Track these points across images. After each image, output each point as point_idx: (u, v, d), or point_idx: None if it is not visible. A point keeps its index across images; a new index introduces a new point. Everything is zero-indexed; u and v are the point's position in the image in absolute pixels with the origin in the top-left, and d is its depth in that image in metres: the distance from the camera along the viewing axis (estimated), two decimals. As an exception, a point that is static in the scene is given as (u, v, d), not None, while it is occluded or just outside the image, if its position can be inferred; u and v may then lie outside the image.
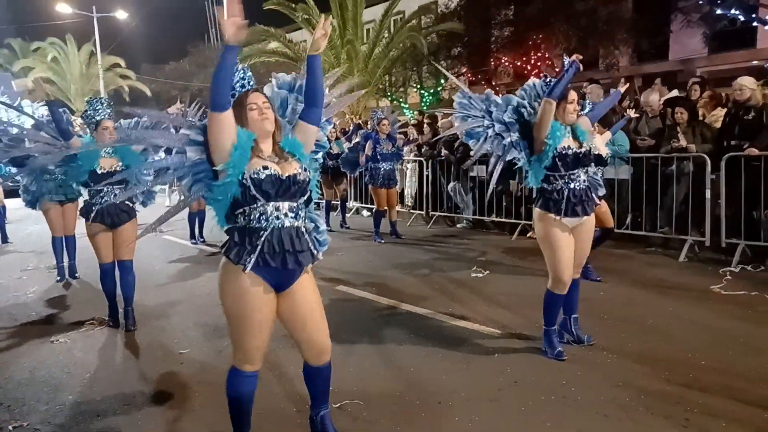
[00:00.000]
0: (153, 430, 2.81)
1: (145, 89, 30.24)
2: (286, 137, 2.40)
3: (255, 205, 2.21)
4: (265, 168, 2.19)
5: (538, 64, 16.35)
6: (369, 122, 9.24)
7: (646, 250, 6.49)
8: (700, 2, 13.26)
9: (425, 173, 8.97)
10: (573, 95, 3.38)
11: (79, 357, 3.83)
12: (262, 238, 2.19)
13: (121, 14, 27.63)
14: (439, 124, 9.38)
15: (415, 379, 3.28)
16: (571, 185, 3.37)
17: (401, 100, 20.99)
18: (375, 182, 7.60)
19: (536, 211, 3.48)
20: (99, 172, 4.04)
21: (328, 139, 8.32)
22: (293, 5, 16.26)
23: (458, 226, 8.72)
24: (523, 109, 3.49)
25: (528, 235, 7.57)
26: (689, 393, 2.96)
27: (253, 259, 2.18)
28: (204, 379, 3.38)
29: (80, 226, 5.64)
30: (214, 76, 2.07)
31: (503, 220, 7.96)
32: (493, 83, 18.16)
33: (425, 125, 9.86)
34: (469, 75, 19.26)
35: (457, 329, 4.11)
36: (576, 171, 3.39)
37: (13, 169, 5.84)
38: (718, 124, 6.14)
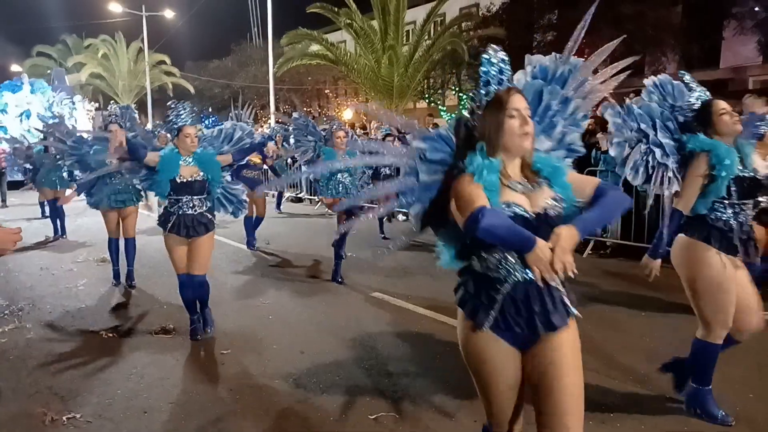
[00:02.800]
0: (196, 428, 2.91)
1: (188, 86, 31.07)
2: (541, 156, 1.87)
3: (494, 249, 1.76)
4: (510, 205, 1.73)
5: (582, 69, 16.02)
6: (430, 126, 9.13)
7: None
8: (756, 9, 12.75)
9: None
10: (721, 104, 2.78)
11: (126, 352, 3.99)
12: (502, 293, 1.76)
13: (168, 13, 28.50)
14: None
15: (452, 393, 3.28)
16: (741, 217, 2.78)
17: (439, 102, 20.93)
18: None
19: (685, 239, 2.85)
20: (179, 181, 3.92)
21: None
22: (336, 9, 16.42)
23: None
24: (669, 123, 2.91)
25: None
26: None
27: (490, 320, 1.77)
28: (244, 382, 3.47)
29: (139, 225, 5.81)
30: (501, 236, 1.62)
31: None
32: (534, 88, 17.90)
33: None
34: (510, 79, 19.02)
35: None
36: (748, 201, 2.79)
37: (76, 172, 5.88)
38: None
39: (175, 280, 4.30)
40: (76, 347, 4.10)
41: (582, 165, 7.21)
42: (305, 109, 29.74)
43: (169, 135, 4.21)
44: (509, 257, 1.75)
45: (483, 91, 1.80)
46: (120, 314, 4.88)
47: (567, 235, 1.60)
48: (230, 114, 7.52)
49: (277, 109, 20.35)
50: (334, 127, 5.81)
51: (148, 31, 27.84)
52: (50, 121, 8.79)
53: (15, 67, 33.26)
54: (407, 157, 1.96)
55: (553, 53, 2.04)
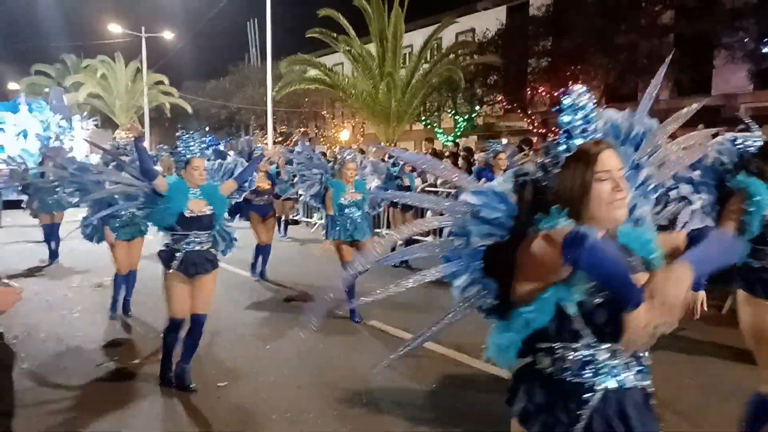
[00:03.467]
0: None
1: (186, 106, 31.25)
2: (624, 229, 1.46)
3: (575, 344, 1.35)
4: None
5: (575, 94, 16.29)
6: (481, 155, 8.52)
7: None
8: (746, 39, 13.04)
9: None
10: None
11: (121, 385, 3.96)
12: (588, 408, 1.32)
13: (167, 34, 28.79)
14: (475, 156, 9.41)
15: (448, 424, 3.27)
16: None
17: (435, 124, 21.14)
18: None
19: (741, 294, 2.72)
20: (188, 215, 3.66)
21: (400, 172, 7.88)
22: (335, 35, 16.66)
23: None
24: (720, 167, 2.76)
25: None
26: None
27: None
28: (240, 418, 3.45)
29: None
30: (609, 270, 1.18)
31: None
32: (529, 111, 18.21)
33: (460, 157, 9.88)
34: (504, 103, 19.34)
35: (486, 377, 4.08)
36: None
37: (74, 199, 5.51)
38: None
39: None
40: (71, 379, 4.05)
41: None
42: (301, 129, 29.98)
43: (175, 164, 3.98)
44: (599, 354, 1.32)
45: (563, 145, 1.43)
46: (116, 344, 4.84)
47: (674, 276, 1.14)
48: (240, 140, 7.34)
49: (273, 129, 20.49)
50: (347, 157, 5.44)
51: (146, 52, 28.11)
52: (50, 144, 8.74)
53: (12, 85, 33.44)
54: (455, 212, 1.59)
55: (627, 110, 1.75)
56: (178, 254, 3.68)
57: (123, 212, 5.04)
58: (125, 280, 5.54)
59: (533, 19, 17.53)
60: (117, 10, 43.92)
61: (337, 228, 5.38)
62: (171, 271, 3.68)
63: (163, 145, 8.81)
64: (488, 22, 19.11)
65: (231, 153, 6.73)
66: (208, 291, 3.85)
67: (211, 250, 3.85)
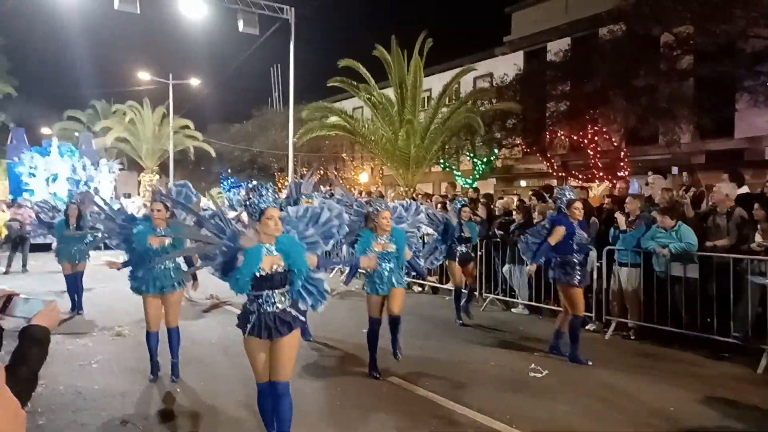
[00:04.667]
0: None
1: (210, 150, 31.98)
2: None
3: None
4: None
5: (596, 138, 16.26)
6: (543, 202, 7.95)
7: (720, 355, 5.96)
8: (767, 83, 12.95)
9: (478, 253, 8.87)
10: None
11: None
12: None
13: (194, 81, 29.83)
14: (495, 204, 9.35)
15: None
16: None
17: (454, 167, 21.23)
18: (567, 279, 5.76)
19: None
20: (258, 275, 3.32)
21: (460, 222, 7.41)
22: (356, 84, 17.02)
23: (513, 310, 8.47)
24: None
25: (586, 326, 7.26)
26: None
27: None
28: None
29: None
30: None
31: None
32: (548, 155, 18.19)
33: (479, 204, 9.83)
34: (523, 146, 19.38)
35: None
36: None
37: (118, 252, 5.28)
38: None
39: (210, 373, 4.02)
40: (87, 438, 4.00)
41: (600, 243, 7.15)
42: (321, 171, 30.39)
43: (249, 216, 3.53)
44: None
45: None
46: (137, 401, 4.72)
47: None
48: (290, 183, 7.14)
49: (294, 171, 20.81)
50: (381, 207, 5.11)
51: (173, 98, 29.07)
52: (79, 188, 8.76)
53: (45, 130, 34.76)
54: None
55: None
56: (251, 317, 3.39)
57: (151, 265, 4.82)
58: (157, 338, 5.16)
59: (551, 63, 17.73)
60: (148, 58, 45.98)
61: (366, 280, 5.21)
62: (246, 336, 3.42)
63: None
64: (506, 67, 19.38)
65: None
66: (287, 356, 3.45)
67: (290, 310, 3.46)
